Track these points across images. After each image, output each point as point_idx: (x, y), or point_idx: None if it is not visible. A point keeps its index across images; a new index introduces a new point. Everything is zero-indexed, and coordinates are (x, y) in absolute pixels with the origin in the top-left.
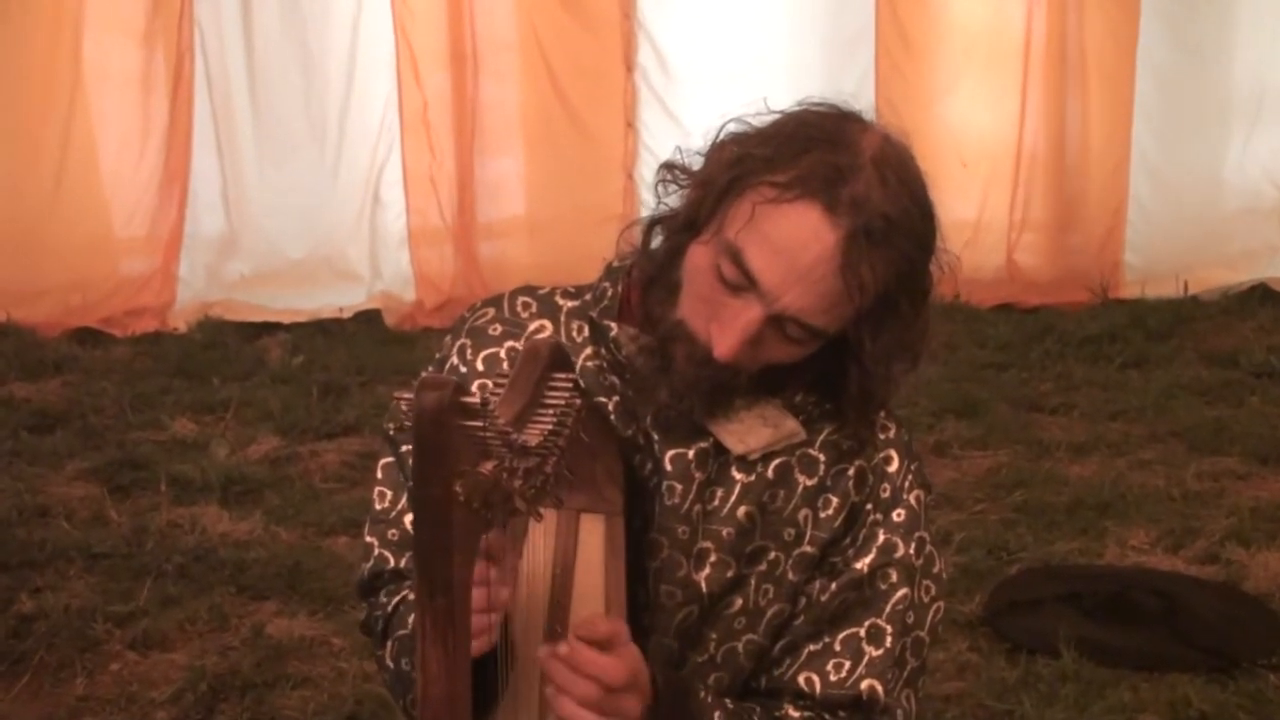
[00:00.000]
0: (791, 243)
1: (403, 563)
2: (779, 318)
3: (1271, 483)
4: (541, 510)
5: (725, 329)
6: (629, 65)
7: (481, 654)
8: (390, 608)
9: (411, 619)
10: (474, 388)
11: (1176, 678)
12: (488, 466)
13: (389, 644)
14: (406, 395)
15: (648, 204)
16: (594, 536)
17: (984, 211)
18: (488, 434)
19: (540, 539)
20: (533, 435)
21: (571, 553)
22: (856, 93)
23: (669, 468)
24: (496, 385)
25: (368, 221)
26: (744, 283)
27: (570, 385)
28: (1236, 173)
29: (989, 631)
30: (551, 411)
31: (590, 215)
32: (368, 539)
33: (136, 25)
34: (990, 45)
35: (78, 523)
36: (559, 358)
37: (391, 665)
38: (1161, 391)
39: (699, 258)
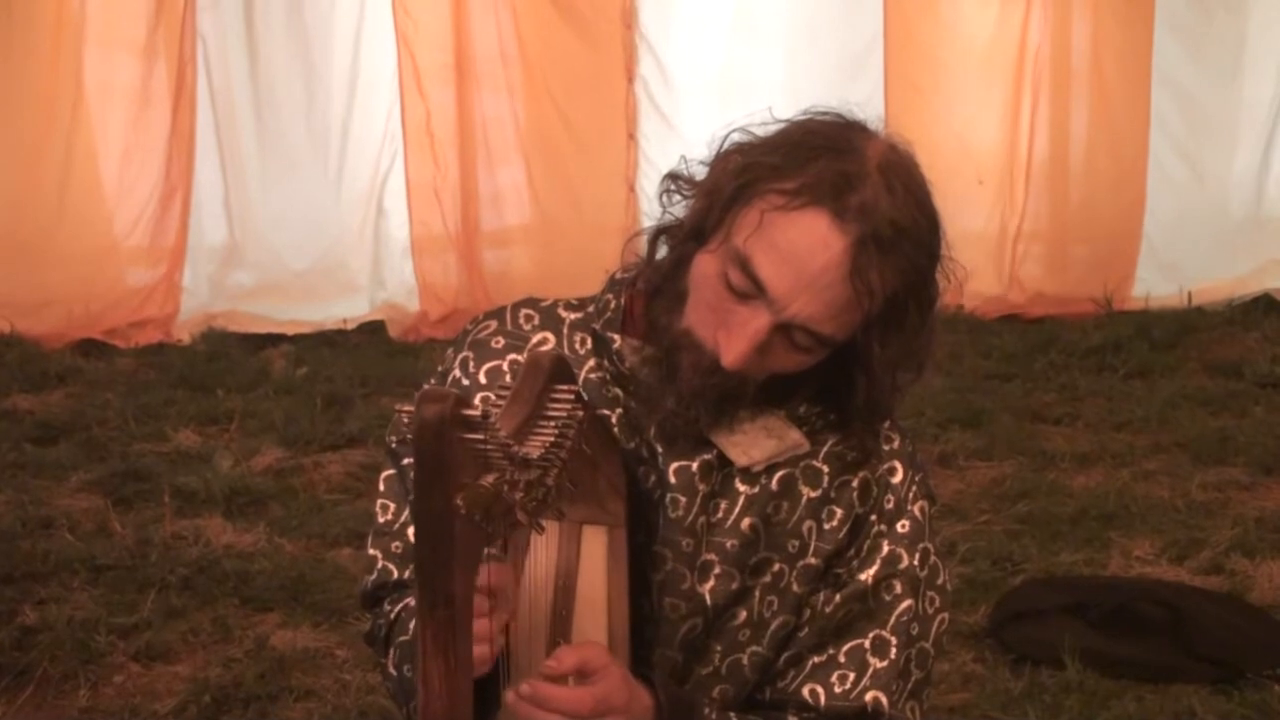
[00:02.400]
0: (800, 250)
1: (406, 574)
2: (787, 325)
3: (1276, 493)
4: (543, 522)
5: (733, 337)
6: (630, 76)
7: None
8: (393, 615)
9: (414, 625)
10: (476, 400)
11: (1181, 689)
12: (489, 479)
13: (391, 651)
14: (408, 408)
15: (649, 215)
16: (596, 548)
17: (990, 222)
18: (489, 446)
19: (542, 551)
20: (534, 447)
21: (574, 565)
22: (865, 105)
23: (673, 480)
24: (498, 397)
25: (371, 233)
26: (752, 290)
27: (572, 397)
28: (1244, 183)
29: (994, 642)
30: (553, 423)
31: (592, 227)
32: (371, 551)
33: (137, 38)
34: (999, 58)
35: (81, 534)
36: (561, 370)
37: (395, 672)
38: (1165, 402)
39: (706, 266)
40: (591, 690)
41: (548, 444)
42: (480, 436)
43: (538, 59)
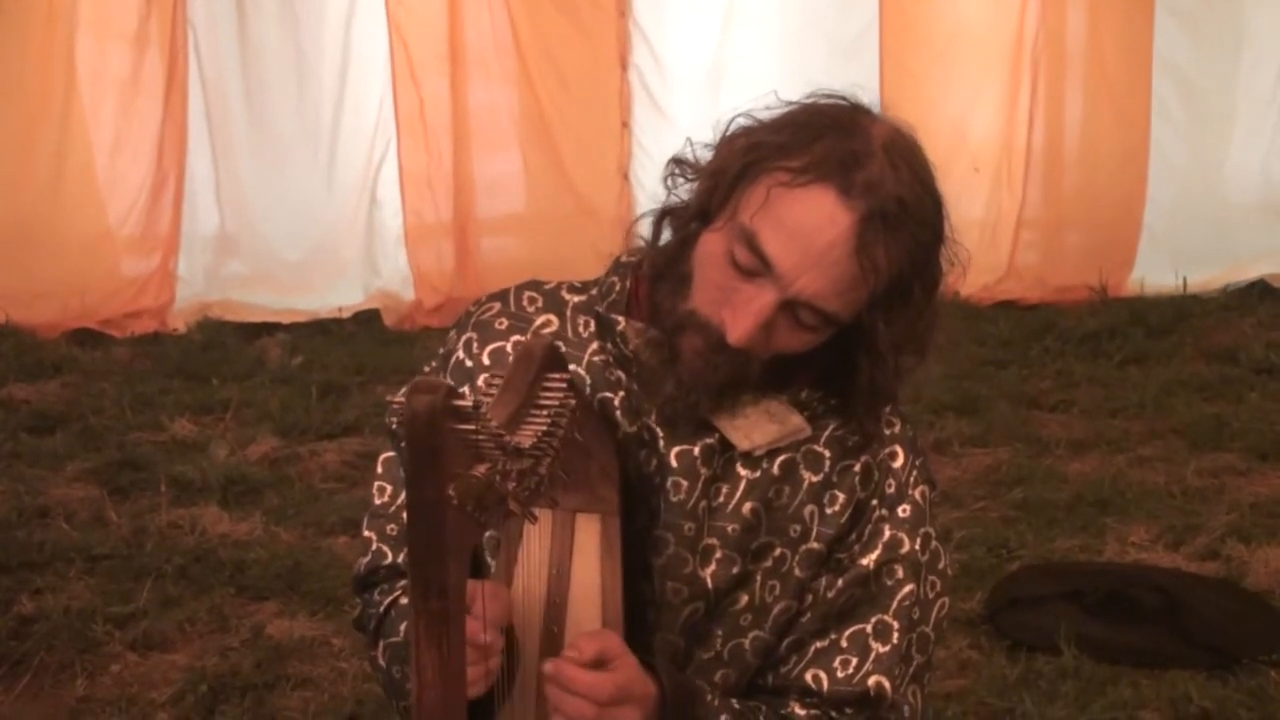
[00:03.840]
0: (806, 226)
1: (400, 558)
2: (793, 303)
3: (1271, 479)
4: (536, 511)
5: (739, 314)
6: (624, 65)
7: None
8: (383, 608)
9: (404, 626)
10: (479, 382)
11: (1177, 674)
12: (481, 469)
13: (381, 645)
14: (400, 398)
15: (642, 204)
16: (590, 536)
17: (987, 209)
18: (480, 437)
19: (536, 540)
20: (526, 437)
21: (568, 553)
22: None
23: (674, 464)
24: (490, 385)
25: (365, 221)
26: (759, 267)
27: (564, 385)
28: (1242, 170)
29: (990, 629)
30: (545, 412)
31: (586, 215)
32: (366, 533)
33: (129, 27)
34: (996, 43)
35: (77, 524)
36: (553, 358)
37: (384, 666)
38: (1161, 388)
39: (712, 245)
40: (612, 677)
41: (540, 433)
42: (472, 427)
43: (531, 47)
